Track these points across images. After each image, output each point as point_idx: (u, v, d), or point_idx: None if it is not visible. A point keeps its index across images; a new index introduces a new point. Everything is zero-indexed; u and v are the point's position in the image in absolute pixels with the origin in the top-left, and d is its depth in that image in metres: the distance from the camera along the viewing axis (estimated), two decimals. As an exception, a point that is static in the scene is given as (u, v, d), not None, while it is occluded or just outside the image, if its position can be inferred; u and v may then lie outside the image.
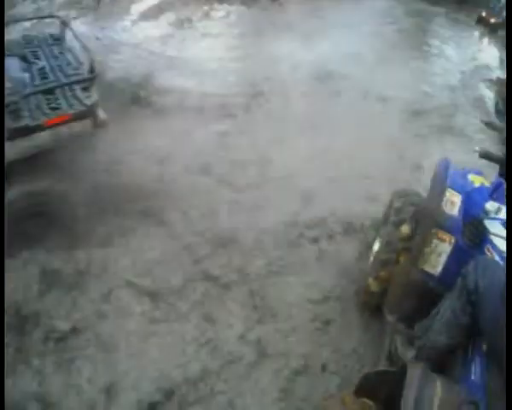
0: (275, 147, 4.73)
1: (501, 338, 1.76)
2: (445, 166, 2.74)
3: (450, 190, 2.54)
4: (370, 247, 3.45)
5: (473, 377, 1.89)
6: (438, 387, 1.76)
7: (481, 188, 2.63)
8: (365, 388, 2.04)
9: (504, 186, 2.47)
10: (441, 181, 2.62)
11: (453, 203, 2.50)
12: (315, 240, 3.80)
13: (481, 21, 20.37)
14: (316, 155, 4.71)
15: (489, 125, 2.77)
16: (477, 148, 2.63)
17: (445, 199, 2.50)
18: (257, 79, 5.93)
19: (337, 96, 6.02)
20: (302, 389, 2.77)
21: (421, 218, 2.71)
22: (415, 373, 1.81)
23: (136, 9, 7.59)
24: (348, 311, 3.22)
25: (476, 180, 2.72)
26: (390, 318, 2.63)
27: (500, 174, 2.54)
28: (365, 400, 2.03)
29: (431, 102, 7.06)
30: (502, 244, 2.23)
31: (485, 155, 2.63)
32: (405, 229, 2.82)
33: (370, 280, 2.93)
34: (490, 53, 15.57)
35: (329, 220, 3.96)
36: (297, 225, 3.91)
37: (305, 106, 5.59)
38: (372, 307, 3.06)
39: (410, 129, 5.93)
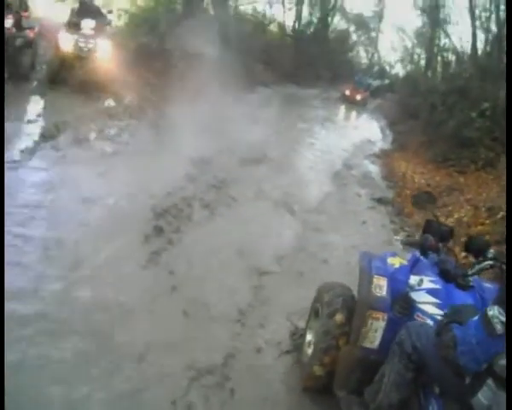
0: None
1: (451, 380, 2.26)
2: (367, 258, 3.27)
3: (376, 276, 3.03)
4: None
5: None
6: None
7: (401, 267, 3.16)
8: None
9: (421, 261, 3.04)
10: (367, 271, 3.11)
11: (381, 287, 2.98)
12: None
13: (346, 99, 22.09)
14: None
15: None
16: (399, 237, 3.20)
17: (373, 285, 2.98)
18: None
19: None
20: None
21: (354, 305, 3.18)
22: None
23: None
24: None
25: (395, 261, 3.26)
26: (341, 393, 2.99)
27: (421, 254, 3.11)
28: None
29: (317, 196, 7.84)
30: (430, 309, 2.75)
31: (408, 243, 3.21)
32: (339, 317, 3.24)
33: (316, 367, 3.26)
34: (368, 127, 17.36)
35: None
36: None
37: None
38: (315, 389, 3.39)
39: (308, 223, 6.57)
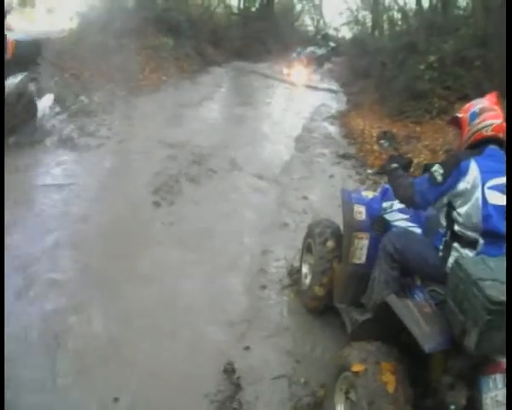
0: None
1: (427, 262, 2.94)
2: (347, 193, 3.96)
3: (356, 205, 3.74)
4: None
5: (418, 299, 2.97)
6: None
7: (374, 197, 3.87)
8: (364, 332, 2.93)
9: (389, 190, 3.66)
10: (349, 202, 3.78)
11: (360, 213, 3.70)
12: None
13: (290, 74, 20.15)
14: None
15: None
16: (370, 171, 3.87)
17: (354, 212, 3.68)
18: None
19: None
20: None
21: (340, 234, 3.88)
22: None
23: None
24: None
25: (368, 194, 3.98)
26: (341, 305, 3.67)
27: (386, 182, 3.80)
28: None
29: (285, 159, 8.51)
30: (402, 223, 3.45)
31: (380, 172, 3.89)
32: (330, 243, 3.93)
33: (316, 288, 3.92)
34: (321, 91, 17.87)
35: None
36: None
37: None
38: (319, 309, 4.06)
39: (282, 183, 7.27)
